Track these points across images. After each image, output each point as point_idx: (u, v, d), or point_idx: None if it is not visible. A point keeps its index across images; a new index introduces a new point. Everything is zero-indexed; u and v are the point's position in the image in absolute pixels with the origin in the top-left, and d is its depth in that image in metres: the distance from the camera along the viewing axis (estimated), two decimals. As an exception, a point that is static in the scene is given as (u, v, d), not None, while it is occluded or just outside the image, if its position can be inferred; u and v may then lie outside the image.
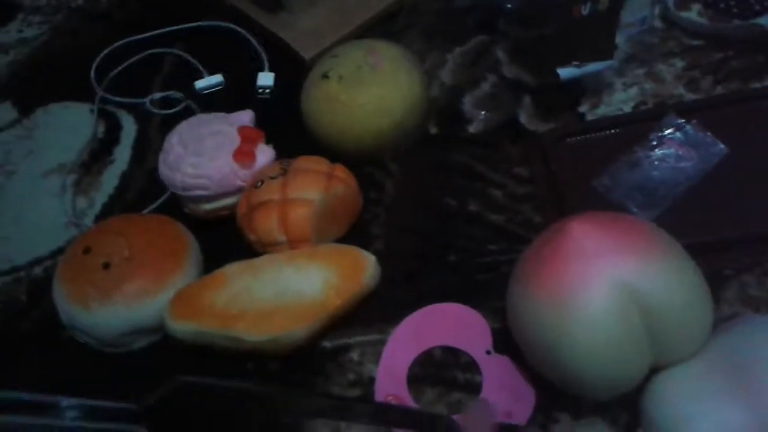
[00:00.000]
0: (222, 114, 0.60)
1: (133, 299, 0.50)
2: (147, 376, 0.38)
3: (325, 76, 0.58)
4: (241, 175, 0.56)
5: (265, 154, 0.57)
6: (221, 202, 0.58)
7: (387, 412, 0.39)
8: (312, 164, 0.55)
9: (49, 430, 0.30)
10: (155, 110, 0.69)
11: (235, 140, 0.57)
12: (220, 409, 0.34)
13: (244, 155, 0.56)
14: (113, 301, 0.50)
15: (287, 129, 0.61)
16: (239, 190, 0.57)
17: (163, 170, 0.58)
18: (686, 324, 0.40)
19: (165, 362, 0.52)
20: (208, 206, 0.58)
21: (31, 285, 0.60)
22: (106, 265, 0.51)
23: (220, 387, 0.33)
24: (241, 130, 0.58)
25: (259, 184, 0.54)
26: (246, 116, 0.60)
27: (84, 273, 0.52)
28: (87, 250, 0.52)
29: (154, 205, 0.62)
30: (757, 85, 0.56)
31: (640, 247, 0.40)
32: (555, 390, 0.43)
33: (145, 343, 0.53)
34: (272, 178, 0.54)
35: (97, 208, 0.64)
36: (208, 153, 0.56)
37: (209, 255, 0.56)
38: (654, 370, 0.41)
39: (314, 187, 0.53)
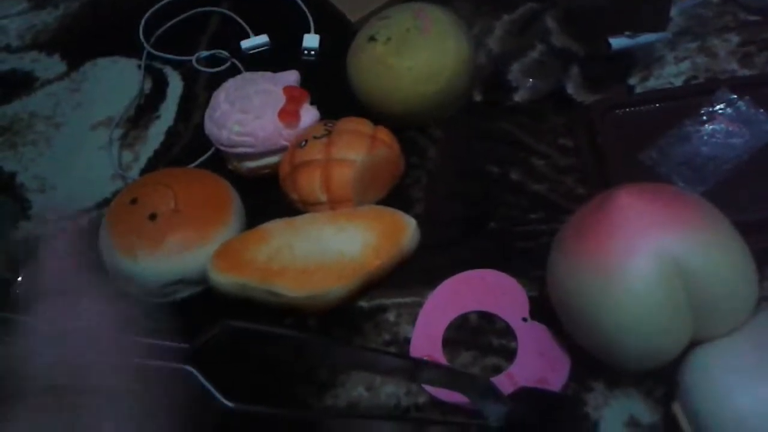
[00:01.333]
0: (268, 73, 0.61)
1: (179, 250, 0.51)
2: (190, 326, 0.39)
3: (372, 39, 0.58)
4: (285, 135, 0.57)
5: (309, 114, 0.58)
6: (264, 160, 0.58)
7: (423, 369, 0.40)
8: (356, 125, 0.55)
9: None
10: (201, 68, 0.70)
11: (281, 100, 0.58)
12: (264, 354, 0.35)
13: (289, 115, 0.57)
14: (160, 251, 0.51)
15: (332, 91, 0.61)
16: (283, 149, 0.57)
17: (210, 127, 0.59)
18: (729, 299, 0.39)
19: (207, 313, 0.53)
20: (251, 164, 0.59)
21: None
22: (153, 216, 0.52)
23: (265, 332, 0.34)
24: (287, 90, 0.58)
25: (303, 143, 0.55)
26: (292, 76, 0.60)
27: (131, 223, 0.53)
28: (134, 201, 0.54)
29: (199, 161, 0.63)
30: (815, 63, 0.55)
31: (687, 219, 0.40)
32: (590, 359, 0.43)
33: (187, 294, 0.54)
34: (316, 138, 0.55)
35: (143, 162, 0.65)
36: (254, 111, 0.57)
37: (251, 212, 0.57)
38: (694, 344, 0.41)
39: (357, 149, 0.53)
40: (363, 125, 0.55)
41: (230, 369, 0.37)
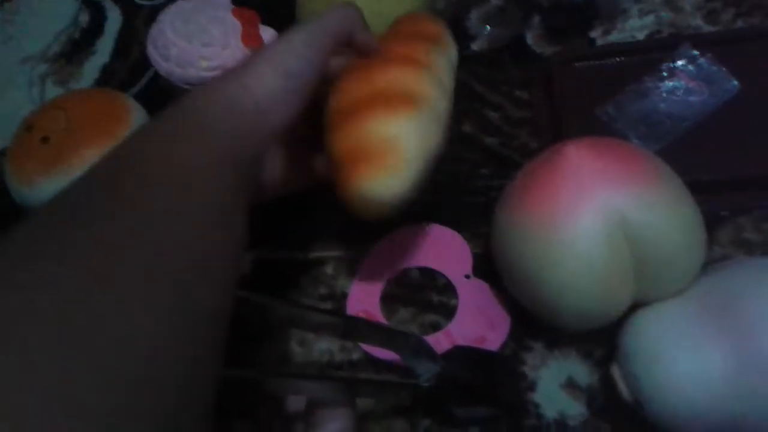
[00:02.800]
0: None
1: (74, 170, 0.49)
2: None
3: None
4: None
5: (268, 34, 0.55)
6: None
7: (355, 326, 0.38)
8: None
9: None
10: (140, 1, 0.65)
11: (236, 24, 0.54)
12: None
13: (251, 38, 0.54)
14: (54, 173, 0.49)
15: (277, 12, 0.58)
16: None
17: (168, 68, 0.55)
18: (676, 260, 0.38)
19: None
20: None
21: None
22: (45, 140, 0.51)
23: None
24: (237, 12, 0.55)
25: None
26: None
27: (25, 149, 0.51)
28: (29, 128, 0.52)
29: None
30: (781, 21, 0.53)
31: (636, 176, 0.37)
32: (531, 318, 0.41)
33: None
34: None
35: (76, 99, 0.61)
36: (218, 42, 0.54)
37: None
38: (636, 305, 0.39)
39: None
40: None
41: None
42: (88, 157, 0.50)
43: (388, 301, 0.46)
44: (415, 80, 0.39)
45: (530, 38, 0.57)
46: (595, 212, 0.36)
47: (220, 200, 0.31)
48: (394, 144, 0.37)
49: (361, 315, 0.44)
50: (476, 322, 0.43)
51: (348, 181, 0.37)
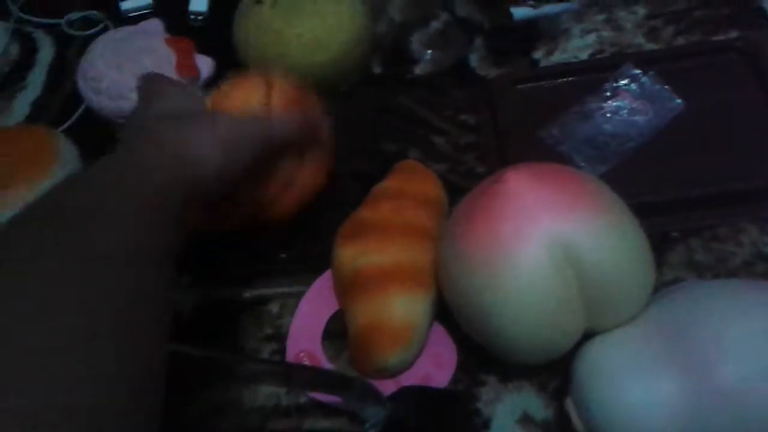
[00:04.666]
0: (128, 28, 0.55)
1: (1, 209, 0.47)
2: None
3: (259, 2, 0.52)
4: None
5: (205, 63, 0.53)
6: None
7: (295, 374, 0.36)
8: None
9: None
10: (72, 31, 0.63)
11: (170, 54, 0.52)
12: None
13: (187, 69, 0.52)
14: None
15: (222, 60, 0.56)
16: None
17: (100, 101, 0.53)
18: (624, 287, 0.37)
19: None
20: None
21: None
22: None
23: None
24: (170, 42, 0.53)
25: None
26: (156, 26, 0.55)
27: None
28: None
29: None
30: (720, 37, 0.53)
31: (579, 202, 0.36)
32: (483, 352, 0.40)
33: None
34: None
35: (5, 136, 0.58)
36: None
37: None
38: (588, 335, 0.38)
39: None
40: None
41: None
42: (11, 199, 0.47)
43: (330, 338, 0.44)
44: (429, 257, 0.42)
45: (474, 61, 0.56)
46: (538, 243, 0.35)
47: (148, 241, 0.30)
48: (411, 322, 0.40)
49: (302, 356, 0.42)
50: (420, 360, 0.41)
51: (368, 355, 0.40)
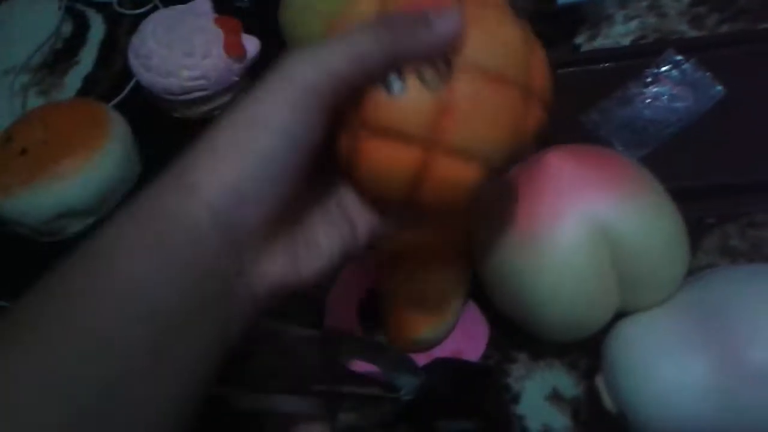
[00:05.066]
0: (178, 7, 0.56)
1: (49, 181, 0.49)
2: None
3: (305, -17, 0.53)
4: (235, 70, 0.54)
5: (252, 43, 0.55)
6: (218, 100, 0.56)
7: (335, 340, 0.37)
8: None
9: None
10: (123, 10, 0.65)
11: (218, 33, 0.54)
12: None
13: (234, 47, 0.54)
14: (33, 184, 0.49)
15: (265, 41, 0.57)
16: (234, 85, 0.55)
17: (150, 78, 0.54)
18: (659, 269, 0.37)
19: None
20: (205, 107, 0.55)
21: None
22: (24, 151, 0.51)
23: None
24: (219, 21, 0.55)
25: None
26: (206, 5, 0.57)
27: (4, 161, 0.51)
28: (9, 139, 0.52)
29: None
30: (764, 26, 0.52)
31: (618, 184, 0.37)
32: (515, 329, 0.41)
33: (79, 228, 0.52)
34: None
35: (57, 110, 0.60)
36: (199, 51, 0.53)
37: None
38: (620, 315, 0.38)
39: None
40: None
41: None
42: (66, 168, 0.49)
43: (365, 315, 0.45)
44: (465, 234, 0.42)
45: (515, 45, 0.56)
46: (576, 221, 0.36)
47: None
48: (446, 297, 0.42)
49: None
50: (452, 335, 0.42)
51: (402, 328, 0.41)
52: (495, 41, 0.28)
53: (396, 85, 0.26)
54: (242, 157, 0.24)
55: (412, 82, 0.26)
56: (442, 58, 0.27)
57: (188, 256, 0.24)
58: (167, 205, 0.24)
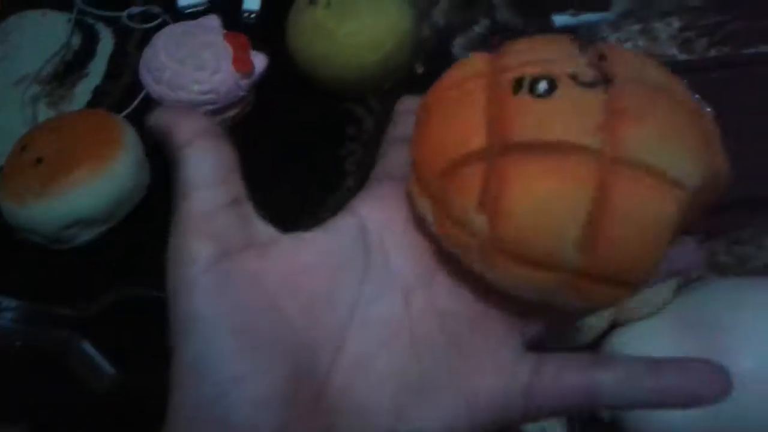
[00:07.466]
0: (187, 23, 0.58)
1: (65, 190, 0.50)
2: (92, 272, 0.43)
3: (312, 2, 0.56)
4: (242, 85, 0.56)
5: (260, 59, 0.57)
6: (226, 114, 0.57)
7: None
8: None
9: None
10: (132, 24, 0.66)
11: (227, 49, 0.56)
12: (158, 321, 0.34)
13: (243, 63, 0.55)
14: (46, 193, 0.50)
15: (271, 57, 0.59)
16: (242, 99, 0.57)
17: (161, 90, 0.56)
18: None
19: (108, 258, 0.53)
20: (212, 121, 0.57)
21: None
22: (39, 160, 0.52)
23: (158, 298, 0.33)
24: (228, 37, 0.56)
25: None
26: (214, 22, 0.58)
27: (18, 170, 0.52)
28: (24, 148, 0.53)
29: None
30: (751, 50, 0.55)
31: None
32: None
33: (91, 237, 0.53)
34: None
35: (67, 121, 0.62)
36: (210, 66, 0.55)
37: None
38: (613, 326, 0.40)
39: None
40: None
41: (125, 335, 0.35)
42: (79, 178, 0.51)
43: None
44: None
45: (513, 65, 0.59)
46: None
47: None
48: None
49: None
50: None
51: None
52: None
53: (542, 84, 0.21)
54: None
55: (565, 80, 0.21)
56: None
57: None
58: None
